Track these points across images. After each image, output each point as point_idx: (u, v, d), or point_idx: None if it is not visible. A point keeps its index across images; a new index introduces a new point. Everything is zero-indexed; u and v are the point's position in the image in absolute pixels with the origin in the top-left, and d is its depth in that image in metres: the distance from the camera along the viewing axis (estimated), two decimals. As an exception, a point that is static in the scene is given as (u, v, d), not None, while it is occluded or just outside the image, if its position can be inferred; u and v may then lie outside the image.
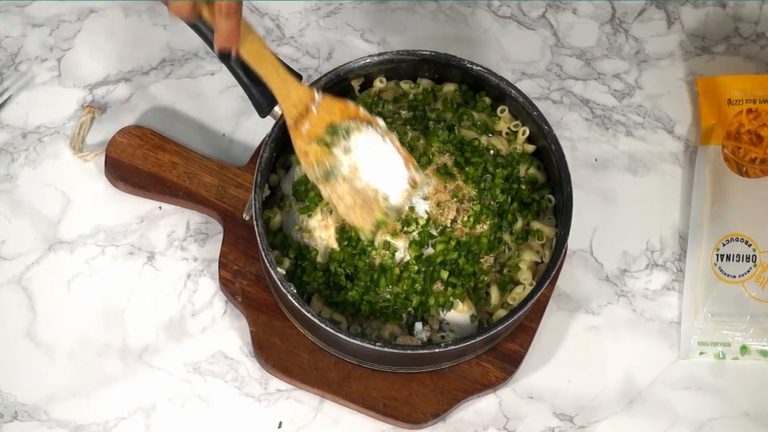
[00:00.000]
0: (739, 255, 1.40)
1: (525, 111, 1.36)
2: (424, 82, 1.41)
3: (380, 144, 1.28)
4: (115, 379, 1.37)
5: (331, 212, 1.32)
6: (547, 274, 1.30)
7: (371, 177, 1.28)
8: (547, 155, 1.36)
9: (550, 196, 1.37)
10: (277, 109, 1.34)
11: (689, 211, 1.45)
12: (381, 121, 1.29)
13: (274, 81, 1.27)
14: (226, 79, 1.43)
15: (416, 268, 1.30)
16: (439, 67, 1.39)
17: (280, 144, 1.35)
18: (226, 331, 1.40)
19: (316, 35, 1.52)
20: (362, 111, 1.29)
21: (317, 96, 1.28)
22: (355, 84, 1.39)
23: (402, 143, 1.32)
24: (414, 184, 1.28)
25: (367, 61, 1.37)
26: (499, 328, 1.29)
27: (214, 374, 1.38)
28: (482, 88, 1.39)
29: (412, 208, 1.31)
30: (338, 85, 1.37)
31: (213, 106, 1.48)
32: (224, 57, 1.22)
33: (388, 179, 1.28)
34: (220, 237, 1.41)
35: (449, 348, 1.28)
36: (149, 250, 1.42)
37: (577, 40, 1.54)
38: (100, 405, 1.36)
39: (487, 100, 1.39)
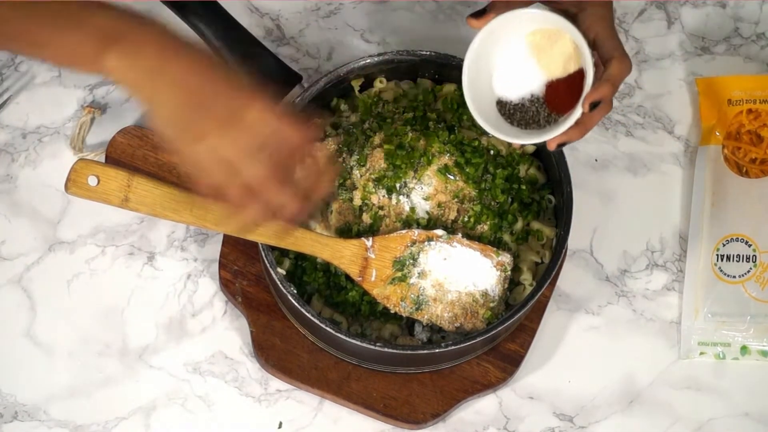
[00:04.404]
0: (739, 255, 1.40)
1: (525, 111, 1.36)
2: (424, 82, 1.41)
3: (450, 251, 1.28)
4: (114, 379, 1.37)
5: (331, 212, 1.32)
6: (547, 274, 1.30)
7: (459, 285, 1.28)
8: (547, 155, 1.36)
9: (550, 197, 1.37)
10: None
11: (689, 212, 1.45)
12: (440, 231, 1.28)
13: (322, 253, 1.28)
14: (226, 79, 1.42)
15: (417, 268, 1.31)
16: (439, 67, 1.38)
17: (280, 144, 1.35)
18: (226, 332, 1.40)
19: (316, 35, 1.52)
20: (416, 233, 1.28)
21: (368, 243, 1.28)
22: (355, 84, 1.39)
23: (402, 143, 1.33)
24: (502, 267, 1.28)
25: (367, 61, 1.37)
26: (499, 329, 1.29)
27: (214, 374, 1.38)
28: (482, 89, 1.39)
29: (412, 209, 1.31)
30: (338, 85, 1.37)
31: (213, 106, 1.47)
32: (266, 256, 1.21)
33: (477, 277, 1.28)
34: (220, 237, 1.41)
35: (449, 348, 1.28)
36: (149, 250, 1.42)
37: (577, 40, 1.54)
38: (100, 405, 1.36)
39: (488, 100, 1.39)
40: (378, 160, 1.32)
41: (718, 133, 1.46)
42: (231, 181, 1.08)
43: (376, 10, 1.53)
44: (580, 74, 1.19)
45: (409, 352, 1.30)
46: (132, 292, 1.40)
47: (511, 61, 1.23)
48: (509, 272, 1.29)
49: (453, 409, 1.36)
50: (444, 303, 1.28)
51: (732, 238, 1.41)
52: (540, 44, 1.21)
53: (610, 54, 1.18)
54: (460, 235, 1.29)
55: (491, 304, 1.29)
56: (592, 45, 1.18)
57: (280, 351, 1.37)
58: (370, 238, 1.28)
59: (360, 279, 1.28)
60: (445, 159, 1.32)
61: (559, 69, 1.21)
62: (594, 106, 1.17)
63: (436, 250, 1.28)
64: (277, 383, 1.38)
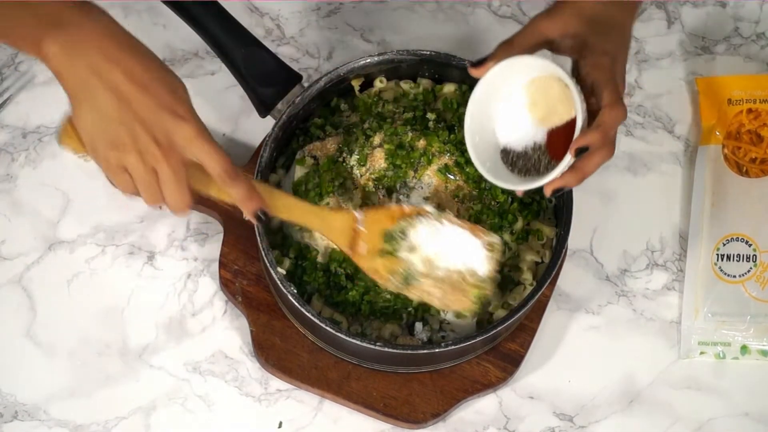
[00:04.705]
0: (739, 255, 1.40)
1: (525, 111, 1.36)
2: (424, 82, 1.41)
3: (440, 228, 1.27)
4: (114, 378, 1.37)
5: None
6: (548, 274, 1.30)
7: (448, 262, 1.27)
8: (547, 155, 1.36)
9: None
10: (277, 108, 1.34)
11: (689, 211, 1.45)
12: (429, 208, 1.27)
13: (312, 223, 1.26)
14: (226, 78, 1.42)
15: (417, 268, 1.31)
16: (439, 67, 1.39)
17: (280, 144, 1.35)
18: (226, 331, 1.40)
19: (316, 35, 1.52)
20: (407, 207, 1.27)
21: (358, 215, 1.27)
22: (355, 84, 1.39)
23: (402, 143, 1.33)
24: (492, 247, 1.28)
25: (367, 61, 1.37)
26: (499, 328, 1.29)
27: (214, 374, 1.38)
28: (482, 88, 1.39)
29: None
30: (338, 85, 1.37)
31: (213, 105, 1.47)
32: (261, 219, 1.18)
33: (465, 255, 1.27)
34: (220, 237, 1.41)
35: (449, 348, 1.28)
36: (149, 249, 1.42)
37: (577, 40, 1.54)
38: (100, 405, 1.36)
39: (488, 100, 1.39)
40: (378, 160, 1.32)
41: (718, 133, 1.46)
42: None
43: (376, 10, 1.53)
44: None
45: (409, 351, 1.30)
46: (132, 291, 1.40)
47: (512, 110, 1.24)
48: (498, 254, 1.28)
49: (453, 408, 1.36)
50: (433, 279, 1.28)
51: (732, 238, 1.41)
52: (539, 93, 1.22)
53: (604, 101, 1.18)
54: (450, 214, 1.28)
55: (479, 284, 1.28)
56: (591, 92, 1.19)
57: (280, 350, 1.37)
58: (361, 211, 1.27)
59: (350, 252, 1.28)
60: (445, 159, 1.33)
61: (559, 116, 1.22)
62: (581, 151, 1.17)
63: (426, 226, 1.27)
64: (277, 383, 1.38)
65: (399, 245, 1.27)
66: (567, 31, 1.19)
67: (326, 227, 1.27)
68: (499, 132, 1.25)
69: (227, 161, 1.13)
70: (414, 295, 1.28)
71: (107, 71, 1.08)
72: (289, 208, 1.25)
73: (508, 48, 1.20)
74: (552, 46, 1.21)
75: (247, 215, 1.18)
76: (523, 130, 1.24)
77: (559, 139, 1.22)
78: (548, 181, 1.20)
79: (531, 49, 1.20)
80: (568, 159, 1.18)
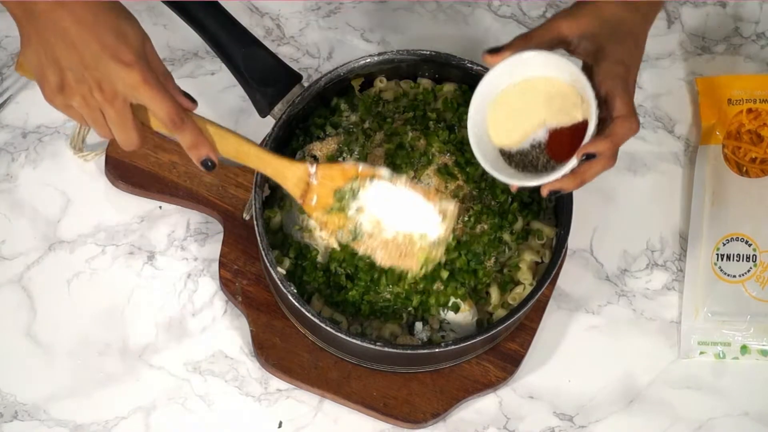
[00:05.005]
0: (739, 255, 1.40)
1: (525, 111, 1.36)
2: (424, 82, 1.41)
3: (393, 191, 1.27)
4: (115, 378, 1.37)
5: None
6: (548, 273, 1.30)
7: (397, 225, 1.28)
8: (547, 155, 1.36)
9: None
10: (277, 108, 1.34)
11: (689, 211, 1.45)
12: (384, 171, 1.27)
13: (265, 169, 1.26)
14: (226, 78, 1.42)
15: (416, 267, 1.31)
16: (439, 67, 1.39)
17: (280, 144, 1.35)
18: (226, 331, 1.40)
19: (316, 35, 1.52)
20: (362, 168, 1.27)
21: (311, 168, 1.27)
22: (355, 84, 1.39)
23: (402, 143, 1.32)
24: (444, 213, 1.28)
25: (367, 60, 1.37)
26: (499, 328, 1.29)
27: (214, 374, 1.38)
28: (482, 88, 1.39)
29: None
30: (338, 85, 1.37)
31: (213, 105, 1.47)
32: (208, 166, 1.19)
33: (417, 219, 1.27)
34: (220, 237, 1.41)
35: (449, 348, 1.28)
36: (149, 249, 1.42)
37: (577, 39, 1.54)
38: (100, 405, 1.36)
39: (488, 99, 1.39)
40: (378, 160, 1.32)
41: (718, 133, 1.46)
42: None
43: (376, 10, 1.53)
44: (584, 125, 1.19)
45: (409, 351, 1.30)
46: (132, 291, 1.40)
47: (518, 103, 1.23)
48: (451, 220, 1.28)
49: (453, 408, 1.36)
50: (379, 240, 1.28)
51: (732, 238, 1.41)
52: (548, 91, 1.21)
53: (618, 112, 1.17)
54: (404, 178, 1.28)
55: (428, 248, 1.28)
56: (603, 100, 1.18)
57: (280, 350, 1.37)
58: (314, 165, 1.27)
59: (301, 201, 1.28)
60: (445, 158, 1.33)
61: (565, 117, 1.21)
62: (588, 158, 1.17)
63: (378, 189, 1.27)
64: (277, 383, 1.38)
65: (349, 204, 1.27)
66: (585, 31, 1.19)
67: (279, 176, 1.27)
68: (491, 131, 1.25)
69: (173, 107, 1.14)
70: (361, 250, 1.28)
71: (54, 13, 1.09)
72: (244, 153, 1.24)
73: (525, 41, 1.19)
74: (569, 47, 1.20)
75: (194, 161, 1.18)
76: (520, 131, 1.23)
77: (562, 140, 1.21)
78: (547, 182, 1.19)
79: (547, 45, 1.19)
80: (573, 163, 1.17)
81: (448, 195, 1.31)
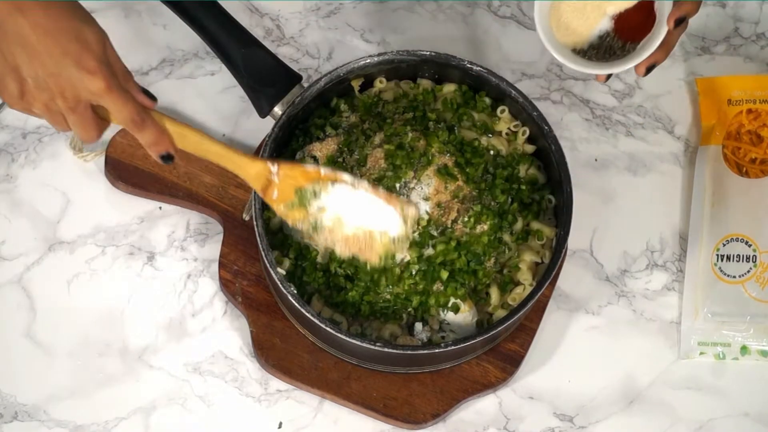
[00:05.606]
0: (739, 255, 1.40)
1: (525, 111, 1.36)
2: (424, 82, 1.41)
3: (354, 195, 1.28)
4: (114, 379, 1.37)
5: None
6: (547, 274, 1.30)
7: (359, 223, 1.28)
8: (547, 155, 1.36)
9: (551, 197, 1.37)
10: (277, 109, 1.34)
11: (689, 211, 1.45)
12: (346, 176, 1.27)
13: (227, 164, 1.26)
14: (226, 79, 1.42)
15: (416, 268, 1.30)
16: (439, 67, 1.39)
17: (280, 144, 1.35)
18: (226, 332, 1.40)
19: (316, 35, 1.52)
20: (324, 171, 1.27)
21: (273, 167, 1.27)
22: (355, 84, 1.39)
23: (402, 143, 1.32)
24: (406, 217, 1.28)
25: (367, 61, 1.37)
26: (499, 329, 1.29)
27: (214, 374, 1.38)
28: (482, 89, 1.39)
29: (412, 209, 1.31)
30: (338, 85, 1.37)
31: (213, 106, 1.47)
32: (166, 160, 1.19)
33: (379, 218, 1.28)
34: (220, 237, 1.41)
35: (449, 348, 1.28)
36: (149, 250, 1.42)
37: (577, 40, 1.54)
38: (100, 405, 1.36)
39: (487, 100, 1.39)
40: (378, 160, 1.32)
41: (718, 133, 1.46)
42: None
43: (376, 10, 1.53)
44: (647, 2, 1.21)
45: (409, 352, 1.30)
46: (132, 292, 1.40)
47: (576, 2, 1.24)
48: (412, 221, 1.29)
49: (453, 409, 1.37)
50: (340, 235, 1.28)
51: (732, 238, 1.41)
52: None
53: None
54: (366, 183, 1.29)
55: (389, 243, 1.28)
56: None
57: (280, 351, 1.37)
58: (276, 164, 1.27)
59: (262, 194, 1.28)
60: (445, 159, 1.32)
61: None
62: (679, 22, 1.19)
63: (339, 192, 1.28)
64: (277, 383, 1.38)
65: (309, 203, 1.27)
66: None
67: (241, 171, 1.27)
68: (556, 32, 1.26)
69: (133, 108, 1.14)
70: (321, 240, 1.29)
71: (13, 20, 1.08)
72: (204, 149, 1.24)
73: None
74: None
75: (153, 156, 1.19)
76: (589, 19, 1.24)
77: (629, 21, 1.23)
78: (645, 57, 1.21)
79: None
80: (663, 32, 1.19)
81: (448, 195, 1.31)
